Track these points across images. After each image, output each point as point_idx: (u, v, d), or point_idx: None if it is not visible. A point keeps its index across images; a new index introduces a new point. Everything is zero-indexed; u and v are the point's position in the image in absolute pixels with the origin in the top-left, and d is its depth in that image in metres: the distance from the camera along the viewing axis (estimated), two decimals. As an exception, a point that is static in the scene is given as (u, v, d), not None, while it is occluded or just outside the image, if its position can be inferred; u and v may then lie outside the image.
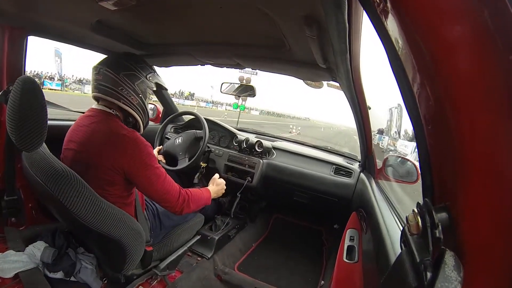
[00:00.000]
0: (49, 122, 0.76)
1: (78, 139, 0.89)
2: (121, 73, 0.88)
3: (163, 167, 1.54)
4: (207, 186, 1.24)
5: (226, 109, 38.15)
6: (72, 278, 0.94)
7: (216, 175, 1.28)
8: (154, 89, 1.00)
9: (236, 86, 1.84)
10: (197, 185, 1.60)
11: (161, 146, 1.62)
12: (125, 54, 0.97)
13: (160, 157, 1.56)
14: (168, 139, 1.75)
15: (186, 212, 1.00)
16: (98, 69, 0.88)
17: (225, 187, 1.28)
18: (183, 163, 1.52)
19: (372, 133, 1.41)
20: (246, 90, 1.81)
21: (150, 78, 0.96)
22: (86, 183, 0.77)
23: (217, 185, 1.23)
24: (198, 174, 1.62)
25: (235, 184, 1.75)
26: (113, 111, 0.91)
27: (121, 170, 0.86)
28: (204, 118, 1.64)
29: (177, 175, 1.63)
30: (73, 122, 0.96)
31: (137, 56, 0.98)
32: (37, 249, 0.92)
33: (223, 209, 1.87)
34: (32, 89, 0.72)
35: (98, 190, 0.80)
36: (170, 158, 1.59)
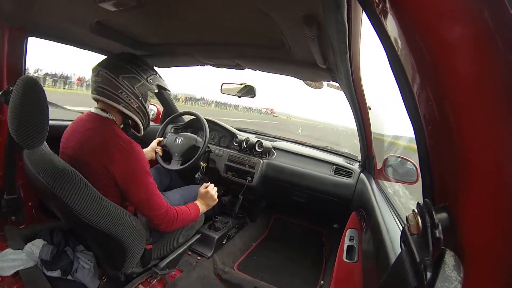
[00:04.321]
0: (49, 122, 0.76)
1: (73, 144, 0.89)
2: (121, 75, 0.86)
3: (157, 160, 1.56)
4: (209, 183, 1.23)
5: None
6: (70, 277, 0.94)
7: (212, 186, 1.22)
8: (156, 91, 0.97)
9: (236, 86, 1.85)
10: (201, 180, 1.61)
11: (162, 138, 1.64)
12: (124, 55, 0.94)
13: (159, 149, 1.57)
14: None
15: (168, 230, 0.98)
16: (97, 71, 0.87)
17: (216, 199, 1.22)
18: (174, 165, 1.54)
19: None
20: (246, 90, 1.81)
21: (151, 81, 0.94)
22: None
23: (207, 196, 1.17)
24: (198, 173, 1.63)
25: (236, 183, 1.75)
26: (109, 114, 0.90)
27: (112, 178, 0.86)
28: (205, 118, 1.65)
29: (177, 172, 1.63)
30: (71, 122, 0.96)
31: (138, 57, 0.95)
32: (36, 247, 0.92)
33: (224, 208, 1.87)
34: (34, 89, 0.72)
35: (98, 190, 0.79)
36: (166, 153, 1.60)
